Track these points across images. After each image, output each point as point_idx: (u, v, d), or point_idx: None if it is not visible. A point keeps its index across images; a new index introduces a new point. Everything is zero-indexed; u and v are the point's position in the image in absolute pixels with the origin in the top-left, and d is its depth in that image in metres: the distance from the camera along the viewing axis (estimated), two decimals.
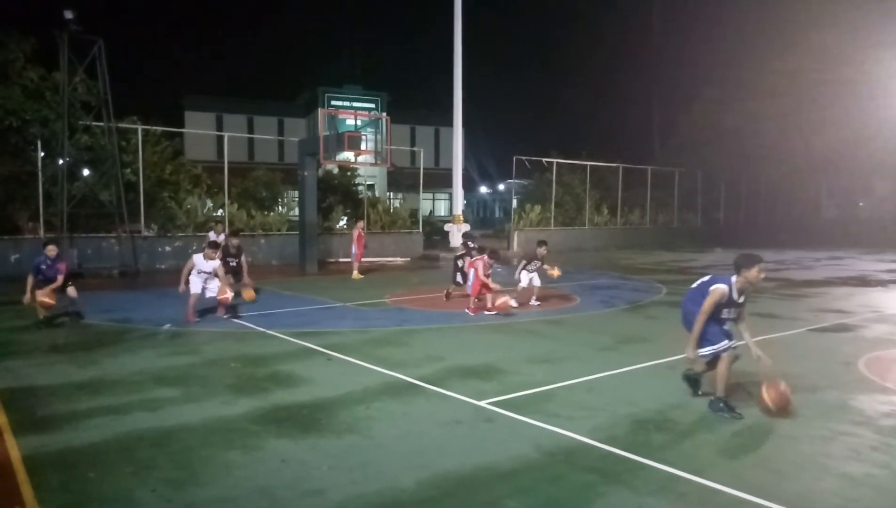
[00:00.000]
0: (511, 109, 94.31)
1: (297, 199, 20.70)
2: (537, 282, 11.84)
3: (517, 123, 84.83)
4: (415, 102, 57.99)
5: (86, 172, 18.58)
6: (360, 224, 18.12)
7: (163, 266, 18.65)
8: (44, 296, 9.37)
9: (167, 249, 18.99)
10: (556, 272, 12.09)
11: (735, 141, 36.18)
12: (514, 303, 11.33)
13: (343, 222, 23.95)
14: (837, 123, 33.17)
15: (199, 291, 10.25)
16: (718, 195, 36.93)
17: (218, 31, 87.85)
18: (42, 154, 16.96)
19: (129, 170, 18.51)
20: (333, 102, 42.10)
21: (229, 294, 10.28)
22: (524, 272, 11.69)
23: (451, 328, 10.13)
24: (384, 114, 30.80)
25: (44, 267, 9.58)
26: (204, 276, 10.28)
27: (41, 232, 16.85)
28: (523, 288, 11.70)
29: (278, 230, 21.29)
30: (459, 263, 12.40)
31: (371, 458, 4.78)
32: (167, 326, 9.72)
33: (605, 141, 42.58)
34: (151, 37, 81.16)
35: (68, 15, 15.93)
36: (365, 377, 7.01)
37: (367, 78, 56.25)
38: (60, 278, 9.67)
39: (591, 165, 30.76)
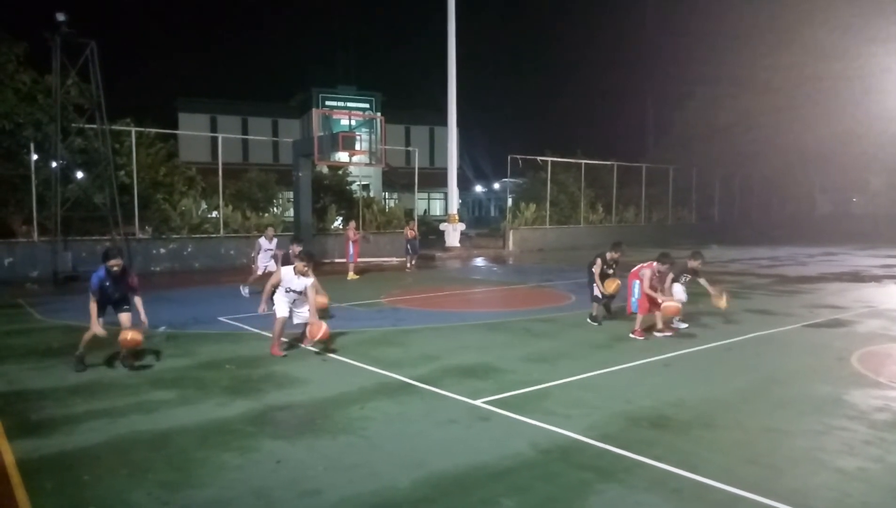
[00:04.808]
0: (506, 107, 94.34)
1: (291, 200, 20.64)
2: (684, 296, 9.79)
3: (512, 121, 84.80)
4: (409, 101, 57.90)
5: (79, 174, 18.52)
6: (352, 225, 18.18)
7: (158, 269, 18.61)
8: (128, 334, 7.23)
9: (162, 251, 18.96)
10: (723, 303, 9.92)
11: (729, 138, 36.29)
12: (682, 325, 9.73)
13: (338, 223, 23.92)
14: (831, 119, 33.32)
15: (286, 314, 8.23)
16: (713, 192, 37.02)
17: (211, 33, 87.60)
18: (35, 157, 16.90)
19: (122, 172, 18.49)
20: (328, 103, 42.00)
21: (325, 328, 7.97)
22: (676, 285, 9.72)
23: (446, 328, 10.13)
24: (378, 114, 30.78)
25: (108, 284, 7.24)
26: (293, 296, 8.25)
27: (35, 235, 16.80)
28: (682, 302, 9.64)
29: None
30: (594, 269, 10.25)
31: (367, 458, 4.78)
32: (163, 328, 9.68)
33: (599, 139, 42.80)
34: (144, 39, 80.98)
35: (60, 17, 15.85)
36: (360, 378, 7.01)
37: (361, 78, 56.24)
38: (139, 301, 7.44)
39: (585, 164, 30.82)
